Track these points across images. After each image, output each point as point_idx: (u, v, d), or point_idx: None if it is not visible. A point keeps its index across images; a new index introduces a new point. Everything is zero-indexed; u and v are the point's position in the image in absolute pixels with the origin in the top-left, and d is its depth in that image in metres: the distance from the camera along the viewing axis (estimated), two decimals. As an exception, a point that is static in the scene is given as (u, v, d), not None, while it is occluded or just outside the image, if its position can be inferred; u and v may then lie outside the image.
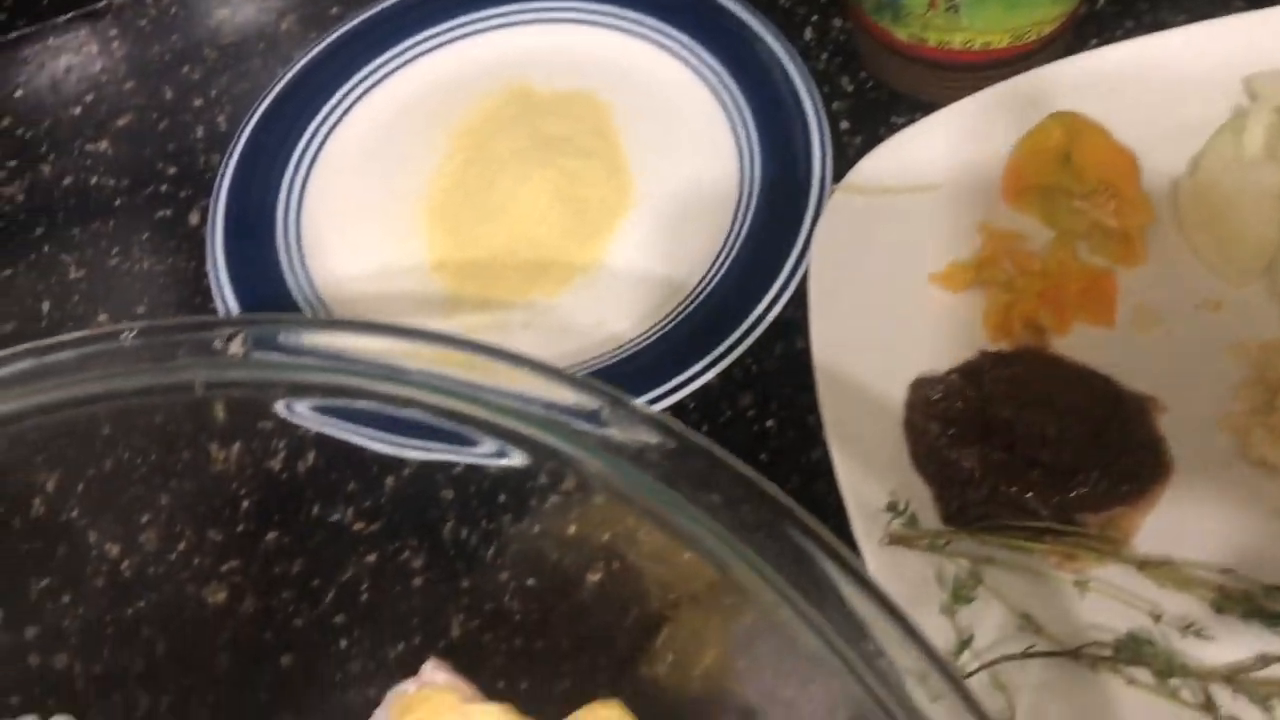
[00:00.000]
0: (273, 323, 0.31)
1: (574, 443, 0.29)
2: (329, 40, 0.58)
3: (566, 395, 0.29)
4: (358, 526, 0.45)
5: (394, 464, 0.41)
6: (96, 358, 0.31)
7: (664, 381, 0.46)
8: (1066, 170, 0.46)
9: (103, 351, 0.31)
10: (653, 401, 0.46)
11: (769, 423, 0.47)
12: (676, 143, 0.53)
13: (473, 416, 0.30)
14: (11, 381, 0.31)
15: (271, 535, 0.45)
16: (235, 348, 0.31)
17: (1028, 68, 0.49)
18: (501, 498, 0.40)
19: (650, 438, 0.28)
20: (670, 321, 0.48)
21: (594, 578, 0.40)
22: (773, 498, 0.28)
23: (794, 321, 0.47)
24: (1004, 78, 0.49)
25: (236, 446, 0.44)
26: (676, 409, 0.47)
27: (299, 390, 0.31)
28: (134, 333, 0.31)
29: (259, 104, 0.56)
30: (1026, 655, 0.38)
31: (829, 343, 0.44)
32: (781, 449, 0.46)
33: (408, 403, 0.30)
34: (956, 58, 0.50)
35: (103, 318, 0.53)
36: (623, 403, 0.29)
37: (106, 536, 0.45)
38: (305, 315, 0.46)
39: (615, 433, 0.29)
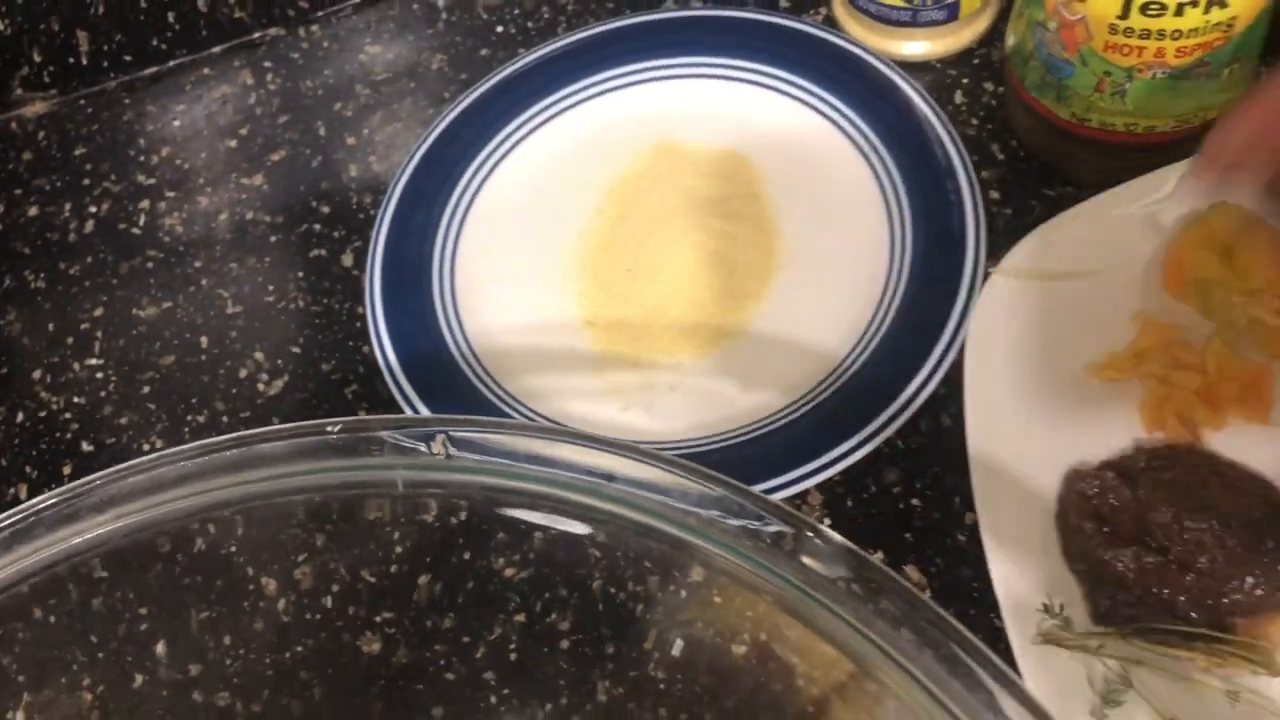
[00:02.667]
0: (472, 424, 0.32)
1: (759, 566, 0.30)
2: (483, 89, 0.59)
3: (758, 517, 0.30)
4: (508, 573, 0.46)
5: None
6: (303, 451, 0.33)
7: (814, 458, 0.47)
8: (1228, 264, 0.46)
9: (309, 445, 0.32)
10: (801, 479, 0.47)
11: (914, 501, 0.48)
12: (826, 207, 0.54)
13: (659, 531, 0.31)
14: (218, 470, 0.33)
15: (424, 582, 0.47)
16: (438, 449, 0.33)
17: (1189, 152, 0.49)
18: (647, 564, 0.42)
19: (838, 570, 0.29)
20: (819, 394, 0.48)
21: (740, 652, 0.41)
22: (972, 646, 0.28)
23: (941, 398, 0.48)
24: (1167, 161, 0.49)
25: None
26: (822, 482, 0.48)
27: (494, 496, 0.33)
28: (338, 429, 0.33)
29: (415, 150, 0.58)
30: (1178, 765, 0.39)
31: (983, 431, 0.45)
32: (926, 529, 0.47)
33: (601, 515, 0.31)
34: (1119, 139, 0.49)
35: (259, 355, 0.56)
36: (815, 529, 0.30)
37: (264, 573, 0.48)
38: (504, 419, 0.47)
39: (807, 560, 0.30)
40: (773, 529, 0.30)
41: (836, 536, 0.30)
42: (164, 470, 0.34)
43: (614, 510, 0.32)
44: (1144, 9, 0.44)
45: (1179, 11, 0.44)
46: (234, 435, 0.34)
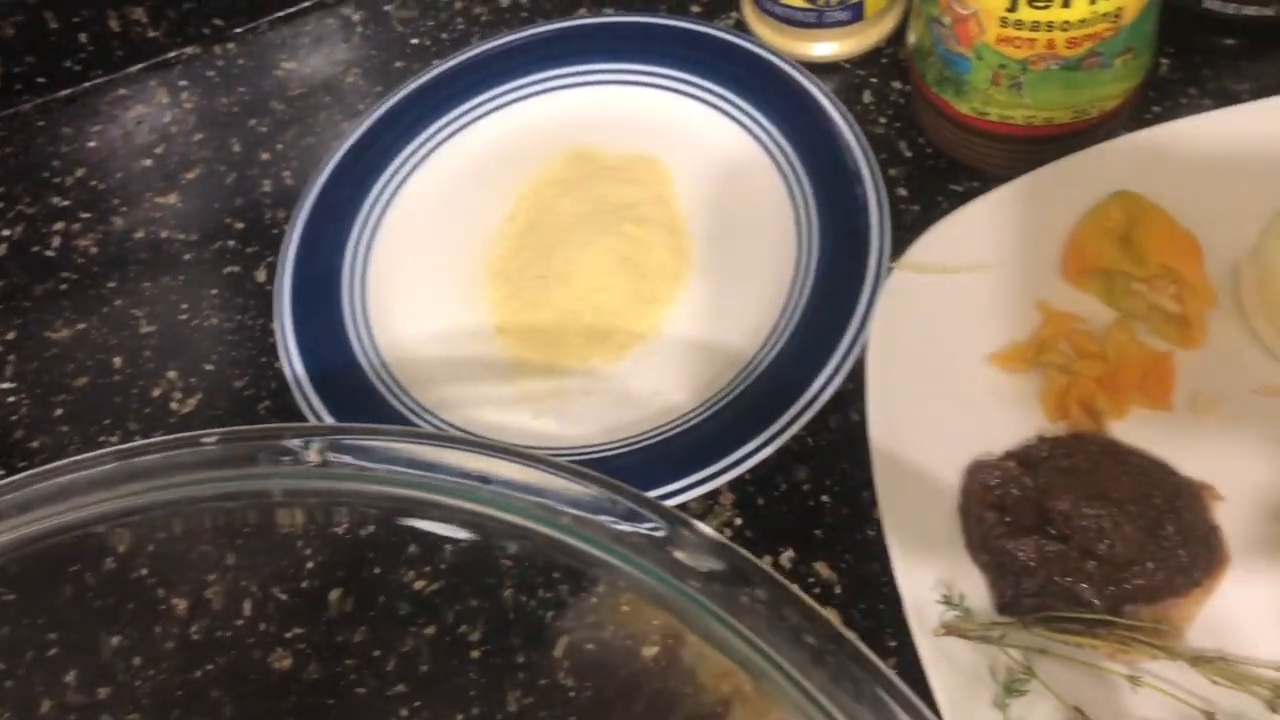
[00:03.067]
0: (349, 432, 0.32)
1: (633, 564, 0.29)
2: (393, 100, 0.59)
3: (635, 515, 0.30)
4: (419, 585, 0.46)
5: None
6: (178, 463, 0.32)
7: (722, 457, 0.47)
8: (1127, 252, 0.46)
9: (185, 457, 0.32)
10: (712, 477, 0.46)
11: (824, 497, 0.48)
12: (736, 210, 0.54)
13: (538, 533, 0.31)
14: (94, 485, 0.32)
15: (335, 597, 0.47)
16: (313, 457, 0.32)
17: (1090, 142, 0.49)
18: (557, 574, 0.42)
19: (714, 564, 0.29)
20: (728, 394, 0.48)
21: (650, 655, 0.41)
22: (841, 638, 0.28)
23: (849, 395, 0.48)
24: (1065, 152, 0.49)
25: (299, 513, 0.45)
26: (733, 481, 0.48)
27: (373, 501, 0.32)
28: (215, 439, 0.32)
29: (325, 164, 0.57)
30: (1079, 752, 0.39)
31: (886, 426, 0.45)
32: (836, 525, 0.47)
33: (478, 518, 0.31)
34: (1017, 132, 0.50)
35: (172, 374, 0.55)
36: (689, 526, 0.29)
37: (175, 594, 0.47)
38: (380, 425, 0.47)
39: (681, 556, 0.30)
40: (647, 525, 0.30)
41: (709, 530, 0.30)
42: (40, 486, 0.33)
43: (489, 513, 0.31)
44: (1032, 1, 0.45)
45: (1066, 3, 0.44)
46: (111, 449, 0.34)
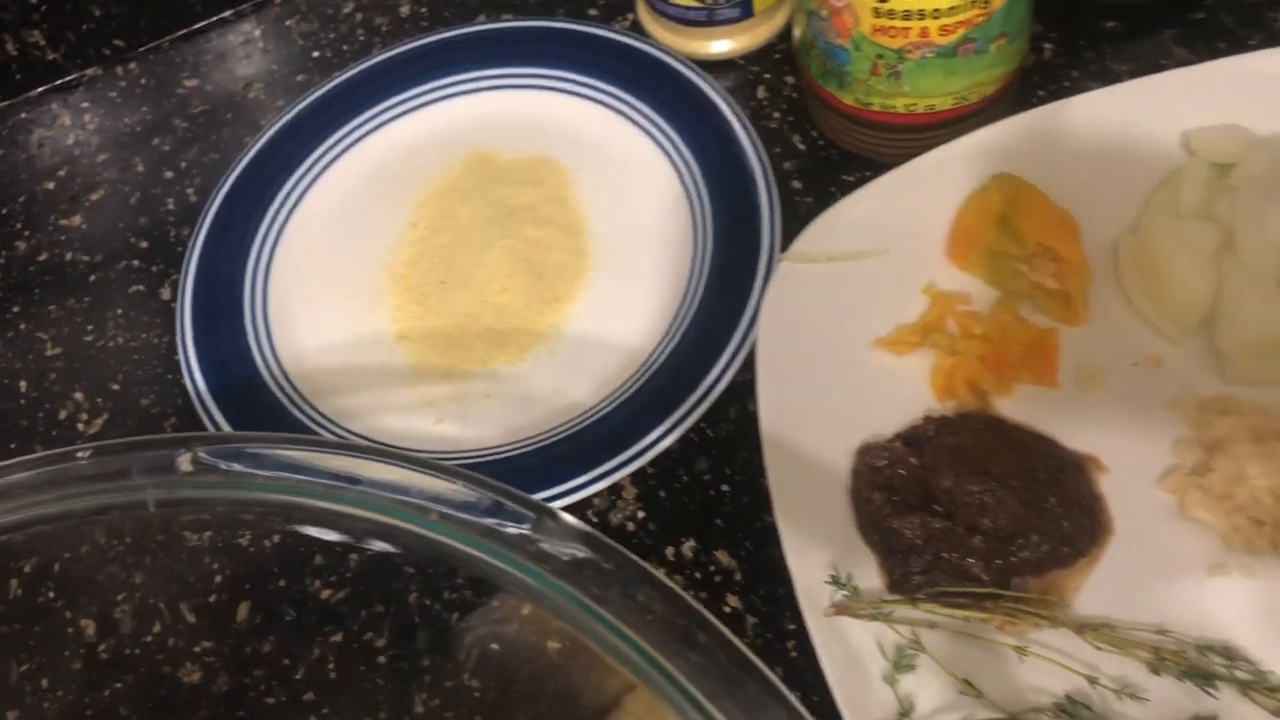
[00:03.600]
0: (220, 441, 0.32)
1: (499, 556, 0.30)
2: (292, 112, 0.59)
3: (500, 508, 0.31)
4: (325, 594, 0.46)
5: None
6: (52, 478, 0.32)
7: (622, 450, 0.47)
8: (1007, 233, 0.47)
9: (58, 472, 0.32)
10: (612, 470, 0.47)
11: (724, 487, 0.48)
12: (634, 208, 0.54)
13: (407, 531, 0.31)
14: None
15: (242, 609, 0.47)
16: (185, 466, 0.32)
17: (973, 127, 0.50)
18: (460, 578, 0.42)
19: (578, 551, 0.30)
20: (627, 389, 0.49)
21: (553, 650, 0.41)
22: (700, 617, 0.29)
23: (748, 385, 0.49)
24: (950, 138, 0.50)
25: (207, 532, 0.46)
26: (636, 474, 0.48)
27: (243, 507, 0.33)
28: (89, 453, 0.33)
29: (225, 179, 0.57)
30: (966, 723, 0.39)
31: (777, 413, 0.45)
32: (736, 513, 0.47)
33: (348, 518, 0.31)
34: (901, 120, 0.51)
35: (78, 395, 0.55)
36: (554, 516, 0.30)
37: (83, 616, 0.47)
38: (253, 434, 0.47)
39: (545, 546, 0.30)
40: (512, 517, 0.30)
41: (572, 520, 0.31)
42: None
43: (359, 514, 0.32)
44: (900, -9, 0.46)
45: (934, -9, 0.45)
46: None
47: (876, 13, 0.47)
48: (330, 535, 0.32)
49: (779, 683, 0.28)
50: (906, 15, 0.46)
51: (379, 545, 0.32)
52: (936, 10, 0.46)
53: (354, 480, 0.32)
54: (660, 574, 0.30)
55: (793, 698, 0.28)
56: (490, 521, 0.31)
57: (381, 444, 0.49)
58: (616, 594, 0.30)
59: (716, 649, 0.29)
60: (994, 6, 0.47)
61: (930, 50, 0.48)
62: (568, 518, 0.31)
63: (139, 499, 0.33)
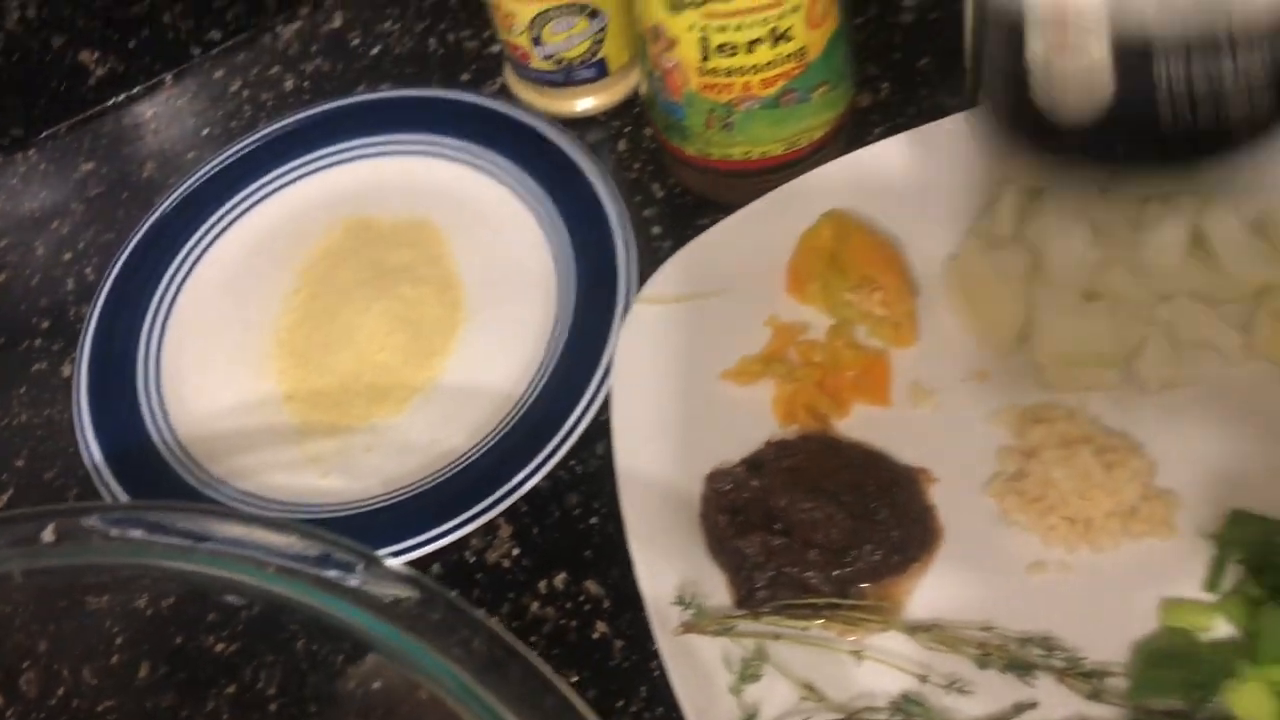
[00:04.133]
0: (76, 513, 0.35)
1: (332, 602, 0.33)
2: (182, 189, 0.62)
3: (329, 557, 0.34)
4: (219, 648, 0.49)
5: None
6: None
7: (493, 491, 0.50)
8: (836, 266, 0.51)
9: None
10: (485, 510, 0.50)
11: (593, 520, 0.51)
12: (504, 262, 0.58)
13: (250, 585, 0.34)
14: None
15: (144, 668, 0.49)
16: (48, 537, 0.35)
17: (808, 168, 0.54)
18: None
19: (403, 592, 0.33)
20: (499, 433, 0.52)
21: (422, 696, 0.44)
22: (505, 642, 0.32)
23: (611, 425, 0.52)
24: (786, 180, 0.54)
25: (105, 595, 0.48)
26: (509, 511, 0.51)
27: (107, 571, 0.35)
28: (-45, 528, 0.35)
29: (117, 257, 0.60)
30: (805, 725, 0.42)
31: (631, 446, 0.49)
32: (604, 544, 0.50)
33: (194, 576, 0.34)
34: (739, 166, 0.54)
35: (-16, 472, 0.57)
36: (378, 562, 0.33)
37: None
38: (102, 503, 0.50)
39: (370, 587, 0.33)
40: (341, 564, 0.33)
41: (398, 565, 0.34)
42: None
43: (207, 571, 0.35)
44: (720, 50, 0.49)
45: (750, 49, 0.49)
46: None
47: (701, 71, 0.50)
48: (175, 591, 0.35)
49: (582, 704, 0.31)
50: (729, 72, 0.50)
51: (231, 599, 0.35)
52: (755, 66, 0.50)
53: (202, 538, 0.35)
54: (478, 612, 0.33)
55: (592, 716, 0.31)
56: (321, 570, 0.33)
57: (266, 500, 0.52)
58: (435, 629, 0.33)
59: (528, 678, 0.32)
60: (809, 59, 0.50)
61: (756, 102, 0.51)
62: (391, 562, 0.34)
63: (6, 570, 0.36)
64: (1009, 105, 0.39)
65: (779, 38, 0.49)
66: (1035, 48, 0.36)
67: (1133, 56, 0.35)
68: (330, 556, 0.33)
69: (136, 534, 0.35)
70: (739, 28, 0.48)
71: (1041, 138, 0.39)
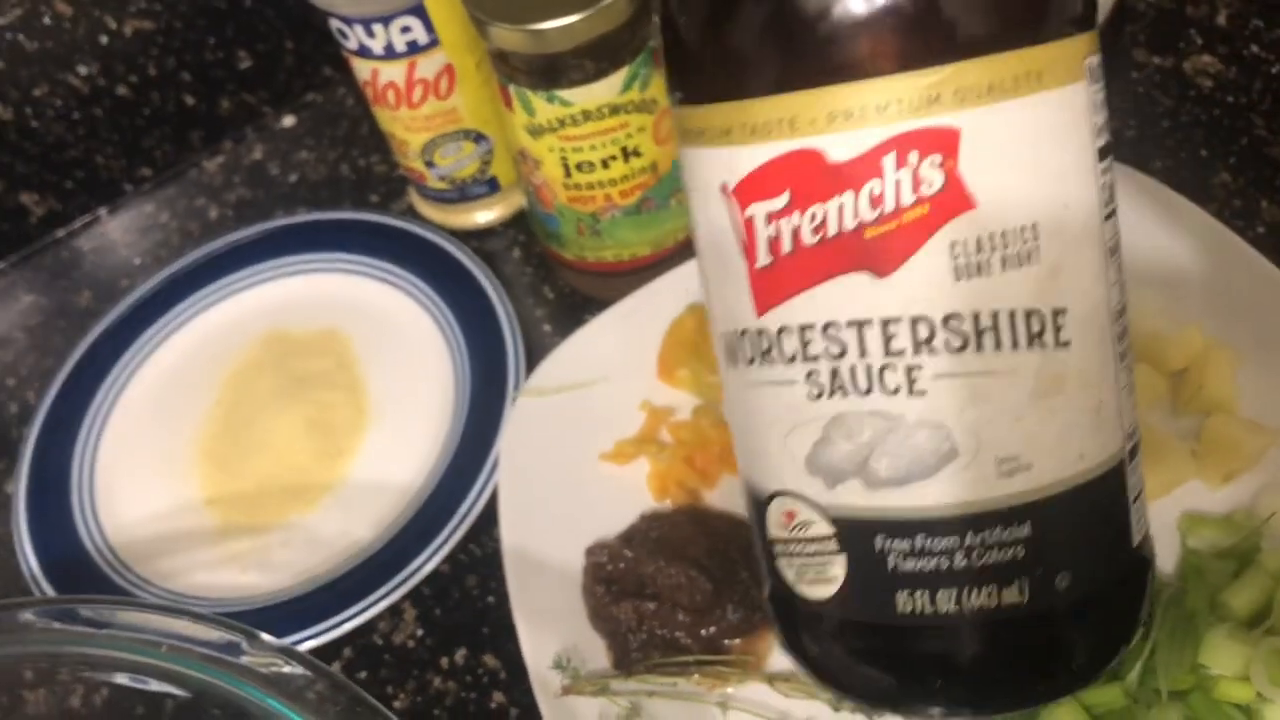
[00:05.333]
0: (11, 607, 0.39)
1: (214, 674, 0.37)
2: (113, 314, 0.68)
3: (214, 635, 0.38)
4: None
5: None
6: None
7: (395, 576, 0.55)
8: (698, 353, 0.56)
9: None
10: (387, 594, 0.54)
11: (490, 598, 0.56)
12: (407, 365, 0.63)
13: (145, 664, 0.38)
14: None
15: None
16: (-35, 632, 0.40)
17: (676, 264, 0.60)
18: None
19: (280, 665, 0.37)
20: (400, 523, 0.57)
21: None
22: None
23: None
24: (655, 276, 0.59)
25: (41, 691, 0.52)
26: (414, 595, 0.56)
27: (32, 659, 0.40)
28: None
29: (54, 379, 0.65)
30: (670, 773, 0.46)
31: (517, 526, 0.53)
32: (500, 619, 0.54)
33: (105, 661, 0.39)
34: (611, 268, 0.60)
35: (-70, 588, 0.62)
36: (255, 636, 0.37)
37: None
38: (21, 598, 0.54)
39: (253, 662, 0.37)
40: (223, 640, 0.38)
41: (271, 639, 0.38)
42: None
43: (107, 654, 0.39)
44: (579, 168, 0.55)
45: (605, 165, 0.55)
46: None
47: (566, 186, 0.56)
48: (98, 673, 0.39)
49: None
50: (590, 186, 0.56)
51: (124, 679, 0.39)
52: (611, 180, 0.56)
53: (103, 625, 0.39)
54: (344, 679, 0.38)
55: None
56: (207, 649, 0.38)
57: (190, 597, 0.56)
58: (312, 697, 0.37)
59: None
60: (661, 171, 0.56)
61: (618, 211, 0.57)
62: (267, 637, 0.38)
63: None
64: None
65: (630, 154, 0.55)
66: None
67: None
68: (219, 637, 0.38)
69: (57, 624, 0.40)
70: (593, 148, 0.54)
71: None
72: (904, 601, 0.37)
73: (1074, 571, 0.37)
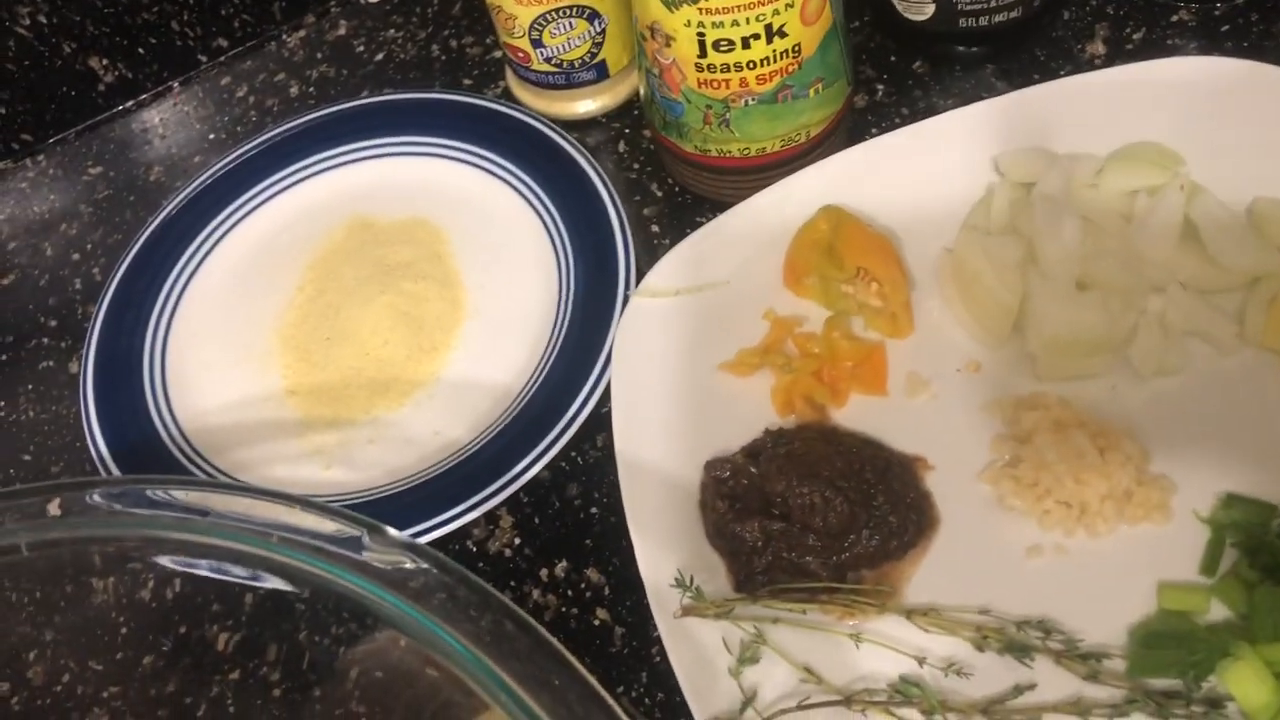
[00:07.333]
0: (80, 486, 0.35)
1: (332, 570, 0.33)
2: (187, 192, 0.63)
3: (330, 527, 0.34)
4: (223, 636, 0.49)
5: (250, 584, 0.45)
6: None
7: (494, 481, 0.51)
8: (832, 259, 0.51)
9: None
10: (486, 499, 0.50)
11: (593, 509, 0.52)
12: (504, 260, 0.59)
13: (255, 556, 0.34)
14: None
15: (147, 656, 0.50)
16: (54, 510, 0.36)
17: (805, 164, 0.55)
18: (345, 613, 0.45)
19: (402, 559, 0.33)
20: (499, 425, 0.52)
21: (430, 675, 0.44)
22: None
23: (612, 415, 0.52)
24: (783, 176, 0.55)
25: (111, 580, 0.49)
26: (511, 502, 0.52)
27: (109, 542, 0.36)
28: (-35, 504, 0.36)
29: (123, 258, 0.61)
30: (802, 707, 0.43)
31: (630, 436, 0.49)
32: (604, 532, 0.51)
33: (204, 548, 0.35)
34: (736, 163, 0.55)
35: (-8, 468, 0.58)
36: (379, 530, 0.33)
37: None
38: (112, 476, 0.50)
39: (375, 558, 0.33)
40: (342, 533, 0.34)
41: (396, 532, 0.34)
42: None
43: (209, 542, 0.35)
44: (716, 46, 0.50)
45: (746, 45, 0.50)
46: None
47: (699, 67, 0.51)
48: (189, 564, 0.36)
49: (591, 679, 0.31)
50: (725, 69, 0.51)
51: (235, 570, 0.36)
52: (751, 62, 0.51)
53: (203, 512, 0.35)
54: (480, 579, 0.34)
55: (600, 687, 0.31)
56: (322, 542, 0.34)
57: (216, 479, 0.52)
58: (441, 597, 0.33)
59: (534, 648, 0.32)
60: (804, 55, 0.51)
61: (752, 98, 0.52)
62: (392, 531, 0.34)
63: (12, 543, 0.36)
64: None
65: (774, 34, 0.50)
66: None
67: None
68: (337, 530, 0.34)
69: (139, 509, 0.36)
70: (734, 24, 0.49)
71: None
72: None
73: None
